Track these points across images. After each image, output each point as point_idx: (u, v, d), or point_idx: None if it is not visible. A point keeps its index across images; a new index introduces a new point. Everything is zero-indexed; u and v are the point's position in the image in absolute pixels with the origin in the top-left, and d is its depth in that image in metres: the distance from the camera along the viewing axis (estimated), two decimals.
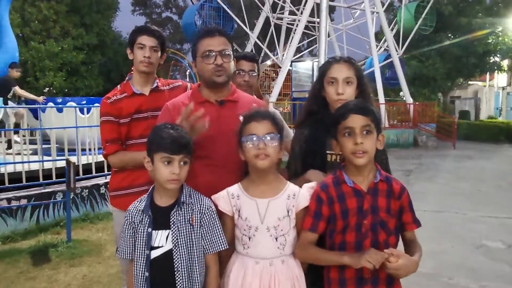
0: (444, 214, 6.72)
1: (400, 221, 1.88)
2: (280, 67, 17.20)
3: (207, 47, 2.15)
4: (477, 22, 22.13)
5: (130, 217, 1.92)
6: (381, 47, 20.09)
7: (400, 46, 19.22)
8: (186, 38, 27.95)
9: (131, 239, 1.91)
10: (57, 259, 4.64)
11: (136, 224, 1.90)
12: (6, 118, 8.68)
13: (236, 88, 2.36)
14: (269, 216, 1.89)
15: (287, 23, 21.08)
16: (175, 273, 1.85)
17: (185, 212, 1.89)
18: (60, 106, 8.19)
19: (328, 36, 17.83)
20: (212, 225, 1.91)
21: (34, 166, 6.32)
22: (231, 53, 2.21)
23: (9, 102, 8.72)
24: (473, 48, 22.47)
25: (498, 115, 29.51)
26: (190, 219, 1.89)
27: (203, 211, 1.91)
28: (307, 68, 18.84)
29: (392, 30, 19.77)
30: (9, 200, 5.45)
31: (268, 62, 19.65)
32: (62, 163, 5.77)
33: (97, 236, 5.41)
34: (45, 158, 6.50)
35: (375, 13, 18.62)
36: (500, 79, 32.05)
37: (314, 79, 2.48)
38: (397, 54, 18.66)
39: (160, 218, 1.88)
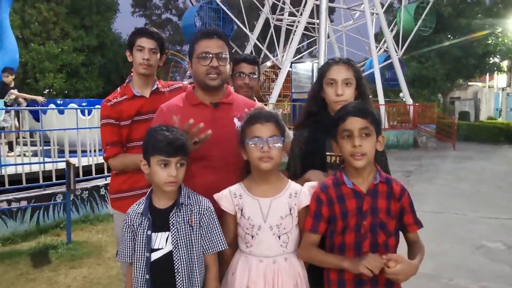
0: (444, 215, 6.72)
1: (401, 223, 1.88)
2: (280, 68, 17.21)
3: (204, 48, 2.15)
4: (477, 23, 22.17)
5: (130, 220, 1.92)
6: (380, 48, 20.10)
7: (400, 47, 19.23)
8: (186, 40, 27.94)
9: (130, 242, 1.91)
10: (57, 261, 4.64)
11: (135, 227, 1.90)
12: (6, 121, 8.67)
13: (231, 90, 2.35)
14: (271, 215, 1.90)
15: (287, 24, 21.10)
16: (175, 274, 1.85)
17: (184, 214, 1.90)
18: (61, 108, 8.20)
19: (328, 37, 17.86)
20: (211, 225, 1.92)
21: (35, 168, 6.33)
22: (228, 56, 2.21)
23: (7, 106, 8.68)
24: (473, 49, 22.49)
25: (498, 116, 29.53)
26: (189, 220, 1.89)
27: (202, 212, 1.91)
28: (306, 69, 18.86)
29: (391, 31, 19.78)
30: (9, 201, 5.45)
31: (268, 63, 19.67)
32: (62, 165, 5.77)
33: (97, 238, 5.41)
34: (46, 159, 6.50)
35: (374, 14, 18.64)
36: (500, 80, 32.08)
37: (314, 80, 2.49)
38: (397, 55, 18.67)
39: (159, 220, 1.89)
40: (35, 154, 7.02)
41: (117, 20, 22.30)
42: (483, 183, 9.43)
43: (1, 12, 9.58)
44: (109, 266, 4.51)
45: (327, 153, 2.11)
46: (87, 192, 6.25)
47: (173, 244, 1.86)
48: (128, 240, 1.91)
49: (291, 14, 19.70)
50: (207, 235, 1.91)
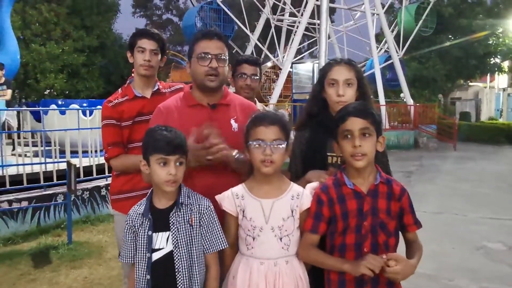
0: (444, 216, 6.72)
1: (401, 223, 1.89)
2: (280, 69, 17.21)
3: (204, 49, 2.15)
4: (478, 23, 22.18)
5: (131, 221, 1.93)
6: (381, 48, 20.09)
7: (401, 48, 19.24)
8: (186, 40, 27.96)
9: (132, 243, 1.92)
10: (58, 261, 4.65)
11: (136, 228, 1.91)
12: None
13: (229, 91, 2.35)
14: (273, 216, 1.89)
15: (288, 25, 21.10)
16: (176, 274, 1.86)
17: (184, 213, 1.90)
18: (63, 108, 8.21)
19: (329, 37, 17.87)
20: (211, 224, 1.92)
21: (36, 168, 6.33)
22: (227, 58, 2.20)
23: None
24: (474, 50, 22.49)
25: (499, 116, 29.47)
26: (190, 219, 1.90)
27: (202, 211, 1.91)
28: (307, 69, 18.86)
29: (392, 31, 19.77)
30: (10, 202, 5.46)
31: (269, 64, 19.66)
32: (63, 165, 5.78)
33: (98, 238, 5.41)
34: (47, 160, 6.51)
35: (375, 14, 18.64)
36: (501, 80, 32.07)
37: (315, 81, 2.49)
38: (398, 55, 18.67)
39: (159, 221, 1.89)
40: (36, 154, 7.03)
41: (117, 20, 22.31)
42: (483, 184, 9.43)
43: (2, 13, 9.61)
44: (110, 266, 4.51)
45: (328, 154, 2.12)
46: (88, 192, 6.26)
47: (173, 244, 1.87)
48: (130, 241, 1.92)
49: (292, 14, 19.70)
50: (207, 234, 1.91)
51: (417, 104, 18.84)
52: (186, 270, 1.86)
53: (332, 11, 26.58)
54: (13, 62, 9.61)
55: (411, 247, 1.91)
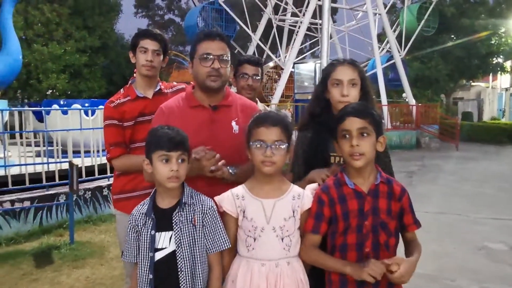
0: (446, 216, 6.71)
1: (401, 223, 1.90)
2: (282, 69, 17.22)
3: (206, 50, 2.15)
4: (480, 23, 22.15)
5: (134, 221, 1.94)
6: (383, 48, 20.10)
7: (403, 48, 19.22)
8: (188, 40, 27.98)
9: (135, 243, 1.93)
10: (60, 261, 4.66)
11: (139, 227, 1.92)
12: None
13: (231, 91, 2.35)
14: (275, 216, 1.89)
15: (289, 25, 21.11)
16: (179, 273, 1.86)
17: (187, 213, 1.91)
18: (65, 108, 8.23)
19: (331, 37, 17.83)
20: (214, 224, 1.93)
21: (38, 168, 6.35)
22: (229, 59, 2.20)
23: None
24: (476, 49, 22.47)
25: (501, 116, 29.41)
26: (192, 219, 1.90)
27: (205, 211, 1.92)
28: (309, 69, 18.85)
29: (394, 31, 19.75)
30: (12, 202, 5.47)
31: (271, 64, 19.66)
32: (66, 165, 5.79)
33: (100, 238, 5.42)
34: (49, 160, 6.52)
35: (377, 14, 18.63)
36: (503, 80, 32.03)
37: (317, 81, 2.49)
38: (400, 55, 18.66)
39: (162, 220, 1.90)
40: (38, 154, 7.05)
41: (119, 21, 22.40)
42: (486, 184, 9.41)
43: (5, 13, 9.61)
44: (112, 266, 4.52)
45: (331, 154, 2.12)
46: (90, 192, 6.27)
47: (176, 244, 1.88)
48: (133, 240, 1.93)
49: (294, 14, 19.71)
50: (210, 234, 1.92)
51: (419, 104, 18.83)
52: (188, 269, 1.87)
53: (334, 11, 26.59)
54: (15, 62, 9.61)
55: (410, 246, 1.92)
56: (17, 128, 6.93)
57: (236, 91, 2.76)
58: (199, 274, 1.89)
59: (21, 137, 6.99)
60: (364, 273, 1.71)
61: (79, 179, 5.46)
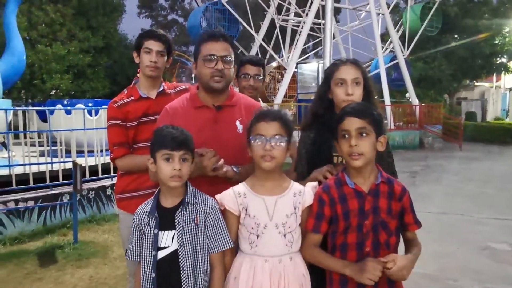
0: (449, 216, 6.70)
1: (401, 222, 1.91)
2: (285, 69, 17.23)
3: (210, 51, 2.16)
4: (484, 23, 22.09)
5: (138, 220, 1.96)
6: (386, 48, 20.07)
7: (406, 48, 19.19)
8: (191, 40, 28.03)
9: (139, 241, 1.95)
10: (64, 261, 4.68)
11: (143, 226, 1.94)
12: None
13: (235, 91, 2.36)
14: (277, 213, 1.91)
15: (293, 25, 21.13)
16: (181, 272, 1.88)
17: (190, 212, 1.92)
18: (69, 108, 8.26)
19: (334, 37, 17.86)
20: (216, 224, 1.94)
21: (42, 168, 6.37)
22: (233, 59, 2.22)
23: None
24: (480, 49, 22.40)
25: (505, 116, 29.35)
26: (195, 219, 1.92)
27: (208, 211, 1.93)
28: (312, 69, 18.87)
29: (397, 31, 19.74)
30: (16, 201, 5.50)
31: (274, 64, 19.69)
32: (69, 165, 5.81)
33: (104, 238, 5.44)
34: (53, 160, 6.55)
35: (380, 14, 18.61)
36: (507, 80, 31.91)
37: (320, 81, 2.50)
38: (403, 55, 18.63)
39: (166, 219, 1.91)
40: (42, 154, 7.08)
41: (123, 21, 22.50)
42: (489, 184, 9.39)
43: (8, 13, 9.65)
44: (115, 266, 4.54)
45: (334, 154, 2.13)
46: (93, 192, 6.30)
47: (178, 243, 1.89)
48: (136, 239, 1.95)
49: (297, 14, 19.72)
50: (212, 234, 1.93)
51: (423, 104, 18.79)
52: (190, 268, 1.88)
53: (337, 11, 26.58)
54: (19, 63, 9.65)
55: (410, 245, 1.94)
56: (21, 128, 6.96)
57: (238, 91, 2.77)
58: (201, 273, 1.90)
59: (25, 137, 7.01)
60: (363, 278, 1.73)
61: (83, 179, 5.49)
